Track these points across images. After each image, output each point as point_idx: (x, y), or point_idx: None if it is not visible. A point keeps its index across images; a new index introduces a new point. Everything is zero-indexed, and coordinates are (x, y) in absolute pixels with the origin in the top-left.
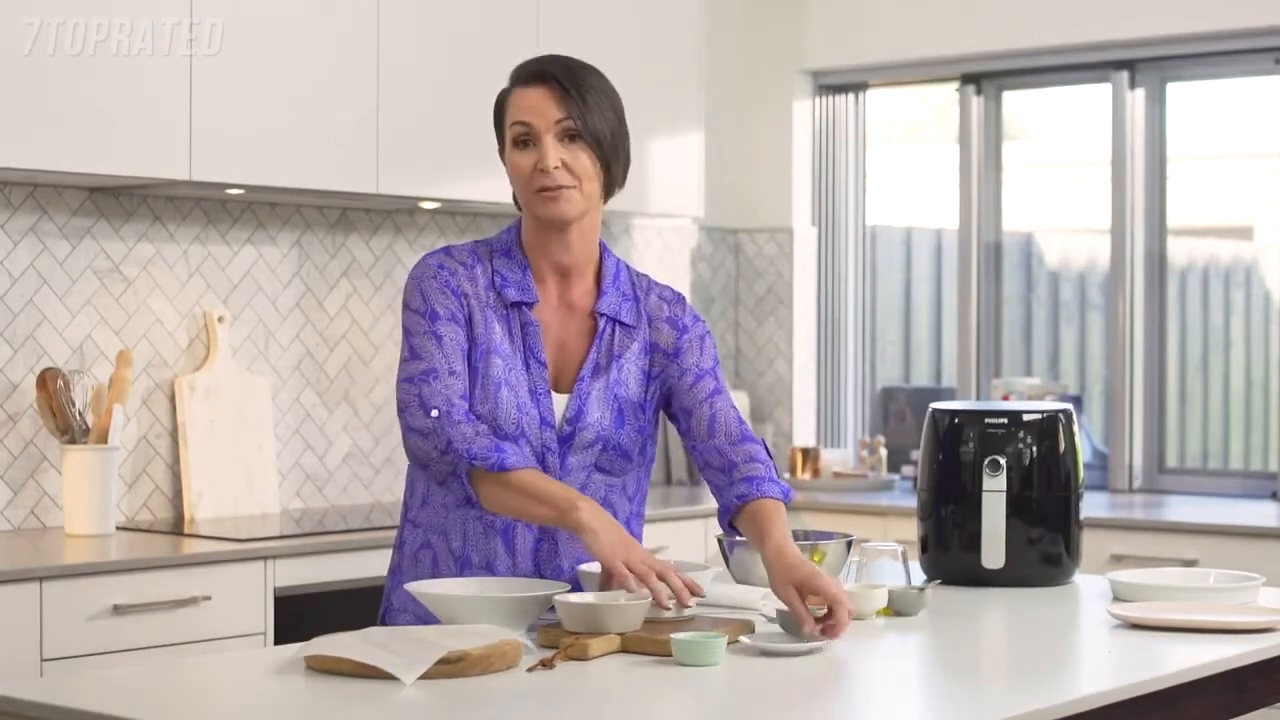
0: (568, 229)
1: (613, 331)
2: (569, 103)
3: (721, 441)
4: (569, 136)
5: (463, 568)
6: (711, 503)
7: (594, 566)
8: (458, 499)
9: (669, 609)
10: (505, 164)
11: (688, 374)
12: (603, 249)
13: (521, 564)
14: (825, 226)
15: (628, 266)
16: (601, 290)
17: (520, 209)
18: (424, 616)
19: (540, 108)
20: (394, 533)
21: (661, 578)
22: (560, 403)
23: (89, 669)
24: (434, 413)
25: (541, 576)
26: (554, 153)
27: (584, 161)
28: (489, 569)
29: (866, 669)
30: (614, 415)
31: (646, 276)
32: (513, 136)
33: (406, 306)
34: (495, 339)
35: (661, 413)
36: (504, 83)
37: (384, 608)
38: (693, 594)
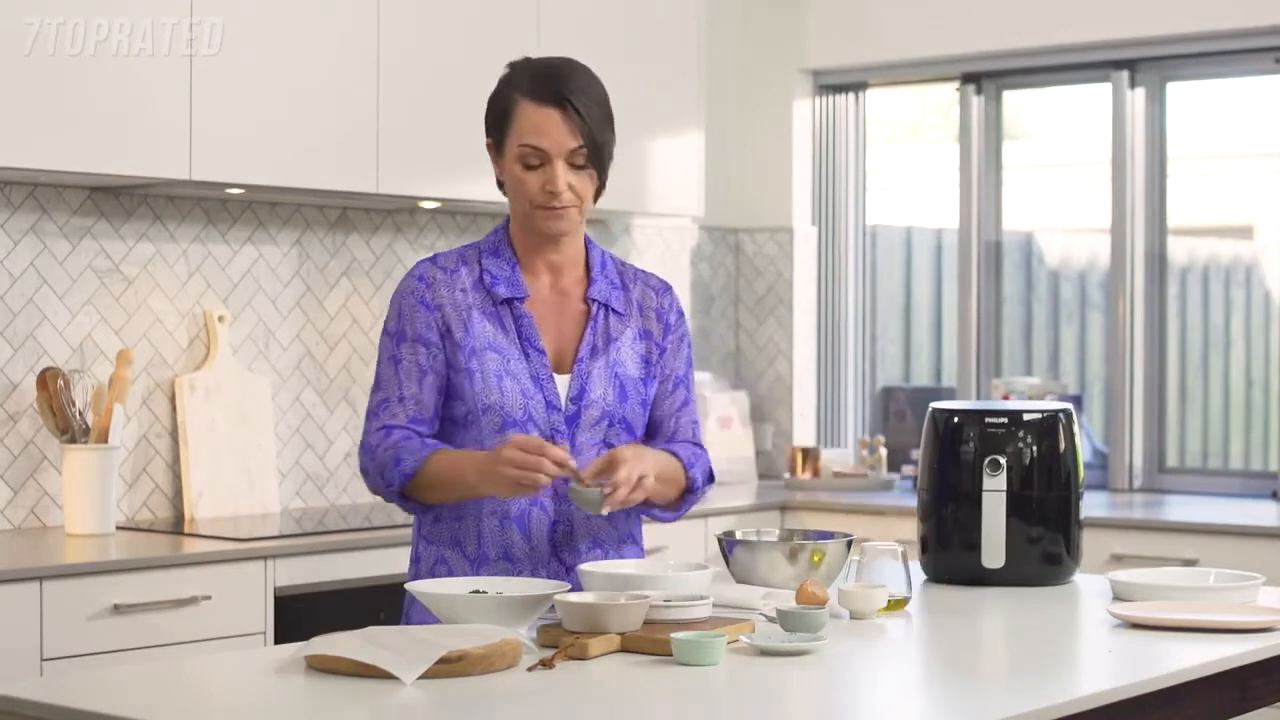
0: (561, 237)
1: (605, 316)
2: (581, 130)
3: (675, 445)
4: (577, 164)
5: (479, 567)
6: (712, 503)
7: (594, 566)
8: (472, 506)
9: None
10: (502, 170)
11: (667, 380)
12: (587, 241)
13: (539, 548)
14: (825, 226)
15: (612, 256)
16: (591, 279)
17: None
18: None
19: (554, 134)
20: (394, 532)
21: (539, 462)
22: (563, 384)
23: (89, 669)
24: (368, 449)
25: (559, 559)
26: (564, 178)
27: (587, 183)
28: (507, 558)
29: (867, 669)
30: (616, 391)
31: (632, 266)
32: (520, 155)
33: (384, 327)
34: (487, 336)
35: None
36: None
37: (403, 624)
38: (562, 464)
